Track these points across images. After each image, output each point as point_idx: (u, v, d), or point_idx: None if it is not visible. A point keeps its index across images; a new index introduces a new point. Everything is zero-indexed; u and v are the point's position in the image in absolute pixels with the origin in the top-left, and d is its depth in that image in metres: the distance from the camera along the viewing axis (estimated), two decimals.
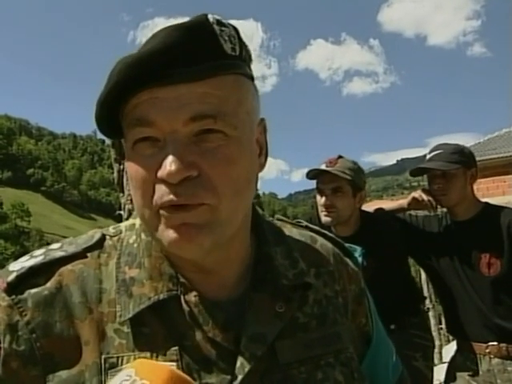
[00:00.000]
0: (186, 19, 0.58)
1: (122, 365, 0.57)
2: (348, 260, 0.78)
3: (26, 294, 0.59)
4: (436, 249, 2.14)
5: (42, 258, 0.62)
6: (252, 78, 0.63)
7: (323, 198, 2.08)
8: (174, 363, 0.58)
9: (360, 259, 0.83)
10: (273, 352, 0.62)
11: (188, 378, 0.53)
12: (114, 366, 0.57)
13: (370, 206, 2.35)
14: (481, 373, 2.01)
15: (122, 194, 2.69)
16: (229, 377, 0.59)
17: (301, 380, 0.62)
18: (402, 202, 2.27)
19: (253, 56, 0.64)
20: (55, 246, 0.66)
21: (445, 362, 3.09)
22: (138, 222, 0.67)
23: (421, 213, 2.28)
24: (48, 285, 0.60)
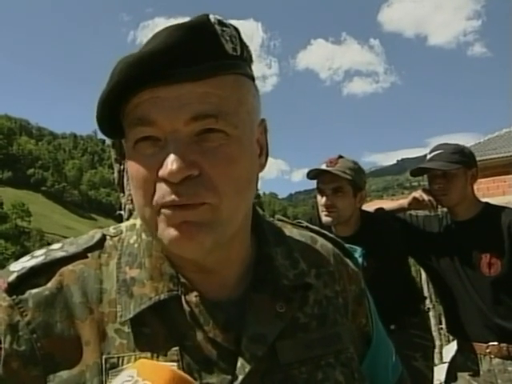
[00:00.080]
0: (186, 19, 0.58)
1: (122, 365, 0.57)
2: (348, 260, 0.78)
3: (26, 295, 0.59)
4: (436, 249, 2.14)
5: (42, 258, 0.62)
6: (253, 79, 0.63)
7: (324, 198, 2.08)
8: (175, 363, 0.58)
9: (360, 260, 0.83)
10: (273, 352, 0.62)
11: (189, 378, 0.53)
12: (114, 367, 0.57)
13: (370, 206, 2.35)
14: (481, 373, 2.01)
15: (122, 194, 2.69)
16: (229, 377, 0.59)
17: (301, 380, 0.62)
18: (403, 201, 2.27)
19: (253, 56, 0.64)
20: (56, 246, 0.66)
21: (445, 362, 3.09)
22: (138, 222, 0.67)
23: (421, 213, 2.28)
24: (49, 285, 0.60)
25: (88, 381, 0.56)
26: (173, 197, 0.54)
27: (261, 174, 0.66)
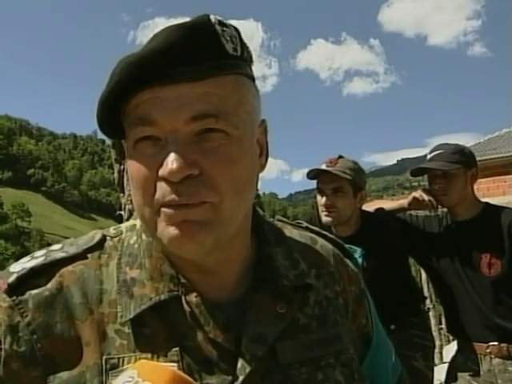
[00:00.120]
0: (186, 19, 0.58)
1: (123, 365, 0.57)
2: (348, 261, 0.78)
3: (26, 295, 0.59)
4: (436, 249, 2.14)
5: (42, 259, 0.62)
6: (253, 79, 0.63)
7: (324, 198, 2.08)
8: (175, 364, 0.58)
9: (360, 260, 0.83)
10: (273, 353, 0.62)
11: (190, 379, 0.53)
12: (115, 367, 0.57)
13: (370, 206, 2.35)
14: (481, 373, 2.01)
15: (122, 195, 2.69)
16: (230, 377, 0.59)
17: (301, 381, 0.62)
18: (403, 201, 2.27)
19: (253, 56, 0.64)
20: (56, 247, 0.66)
21: (445, 362, 3.09)
22: (138, 222, 0.67)
23: (421, 213, 2.28)
24: (49, 286, 0.60)
25: (88, 381, 0.56)
26: (173, 196, 0.54)
27: (261, 174, 0.66)
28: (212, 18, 0.57)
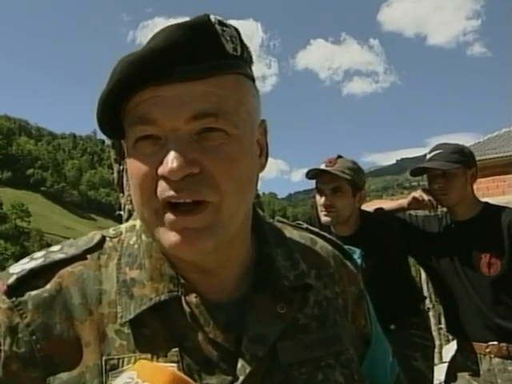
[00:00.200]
0: (186, 19, 0.58)
1: (122, 366, 0.57)
2: (347, 262, 0.78)
3: (26, 296, 0.59)
4: (436, 249, 2.14)
5: (42, 260, 0.62)
6: (253, 79, 0.63)
7: (323, 198, 2.08)
8: (175, 364, 0.57)
9: (359, 261, 0.83)
10: (274, 353, 0.62)
11: (189, 379, 0.53)
12: (114, 368, 0.57)
13: (369, 206, 2.35)
14: (481, 372, 2.01)
15: (121, 195, 2.69)
16: (230, 378, 0.59)
17: (301, 381, 0.62)
18: (402, 201, 2.27)
19: (253, 56, 0.64)
20: (55, 248, 0.66)
21: (445, 362, 3.09)
22: (138, 223, 0.67)
23: (421, 212, 2.28)
24: (48, 287, 0.60)
25: (88, 382, 0.56)
26: (172, 192, 0.54)
27: (260, 174, 0.66)
28: (212, 17, 0.57)
